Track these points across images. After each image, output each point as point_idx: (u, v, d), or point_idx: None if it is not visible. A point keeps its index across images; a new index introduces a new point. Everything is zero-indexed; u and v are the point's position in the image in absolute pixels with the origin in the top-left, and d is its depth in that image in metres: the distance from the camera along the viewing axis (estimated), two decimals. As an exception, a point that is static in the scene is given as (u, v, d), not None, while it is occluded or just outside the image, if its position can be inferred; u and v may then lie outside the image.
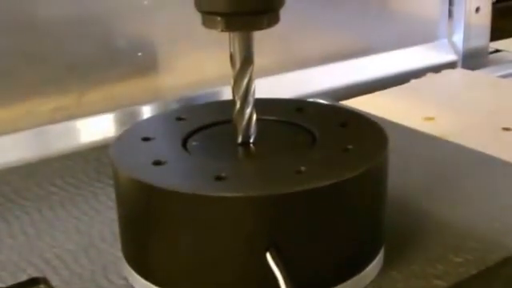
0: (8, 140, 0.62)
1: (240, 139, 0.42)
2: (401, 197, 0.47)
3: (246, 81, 0.42)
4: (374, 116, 0.58)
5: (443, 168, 0.52)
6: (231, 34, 0.42)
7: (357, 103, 0.70)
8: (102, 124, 0.68)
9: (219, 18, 0.40)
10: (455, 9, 0.92)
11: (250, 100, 0.42)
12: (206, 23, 0.41)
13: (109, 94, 0.68)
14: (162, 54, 0.71)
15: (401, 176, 0.49)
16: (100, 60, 0.67)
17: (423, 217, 0.45)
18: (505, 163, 0.53)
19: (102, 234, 0.46)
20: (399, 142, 0.55)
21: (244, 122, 0.42)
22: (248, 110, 0.42)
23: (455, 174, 0.51)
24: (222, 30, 0.41)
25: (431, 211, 0.46)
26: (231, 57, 0.42)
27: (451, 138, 0.59)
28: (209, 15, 0.41)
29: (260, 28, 0.41)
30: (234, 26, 0.41)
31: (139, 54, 0.69)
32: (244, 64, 0.42)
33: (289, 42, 0.78)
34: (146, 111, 0.71)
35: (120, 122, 0.69)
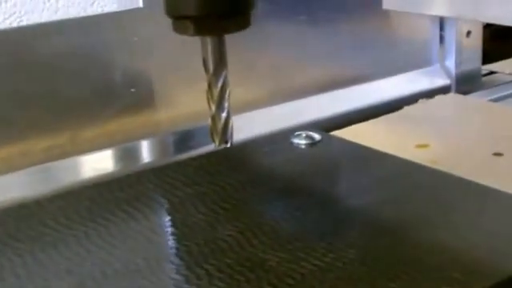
0: (2, 181, 0.63)
1: (217, 144, 0.42)
2: (389, 228, 0.47)
3: (219, 86, 0.41)
4: (364, 146, 0.59)
5: (430, 198, 0.52)
6: (203, 39, 0.41)
7: (349, 133, 0.71)
8: (97, 161, 0.68)
9: (189, 23, 0.39)
10: (446, 33, 0.93)
11: (225, 105, 0.42)
12: (177, 29, 0.40)
13: (104, 131, 0.69)
14: (156, 89, 0.71)
15: (388, 208, 0.49)
16: (93, 97, 0.68)
17: (410, 248, 0.45)
18: (493, 190, 0.53)
19: (93, 274, 0.46)
20: (388, 173, 0.56)
21: (220, 127, 0.42)
22: (223, 115, 0.42)
23: (442, 204, 0.51)
24: (193, 35, 0.40)
25: (418, 242, 0.46)
26: (204, 62, 0.41)
27: (445, 165, 0.59)
28: (179, 20, 0.40)
29: (231, 31, 0.40)
30: (205, 30, 0.40)
31: (132, 90, 0.70)
32: (217, 69, 0.41)
33: (279, 73, 0.78)
34: (144, 146, 0.71)
35: (116, 158, 0.69)
